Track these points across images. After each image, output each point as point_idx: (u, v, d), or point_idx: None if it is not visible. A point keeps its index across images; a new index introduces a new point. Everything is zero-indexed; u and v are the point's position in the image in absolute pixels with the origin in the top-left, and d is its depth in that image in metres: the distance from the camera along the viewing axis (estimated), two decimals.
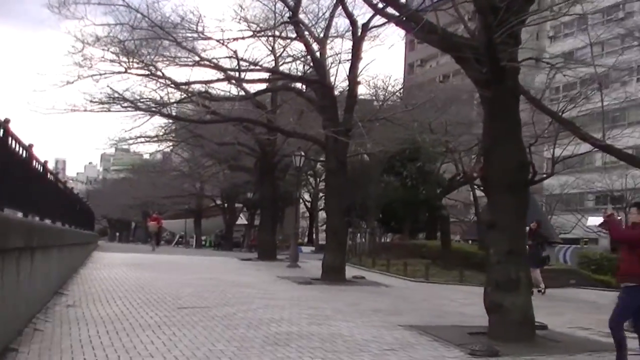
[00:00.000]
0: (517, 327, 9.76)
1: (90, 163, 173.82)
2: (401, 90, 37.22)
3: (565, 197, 53.23)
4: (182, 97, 21.23)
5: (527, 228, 19.30)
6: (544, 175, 23.13)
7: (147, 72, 19.89)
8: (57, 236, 11.76)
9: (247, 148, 30.65)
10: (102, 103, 19.66)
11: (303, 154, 25.37)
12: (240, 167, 35.15)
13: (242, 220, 65.23)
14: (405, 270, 22.86)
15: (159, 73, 19.96)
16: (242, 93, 24.67)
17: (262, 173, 30.03)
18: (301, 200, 67.32)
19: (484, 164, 10.80)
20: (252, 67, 20.55)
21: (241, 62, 21.14)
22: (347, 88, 20.11)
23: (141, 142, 30.17)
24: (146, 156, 66.00)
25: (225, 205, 59.81)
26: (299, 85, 23.46)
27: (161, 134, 28.88)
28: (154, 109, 20.57)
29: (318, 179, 59.32)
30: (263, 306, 12.15)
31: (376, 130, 24.73)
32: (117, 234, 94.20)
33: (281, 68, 24.76)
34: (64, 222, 14.31)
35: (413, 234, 43.74)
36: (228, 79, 20.92)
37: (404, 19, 11.05)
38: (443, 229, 26.74)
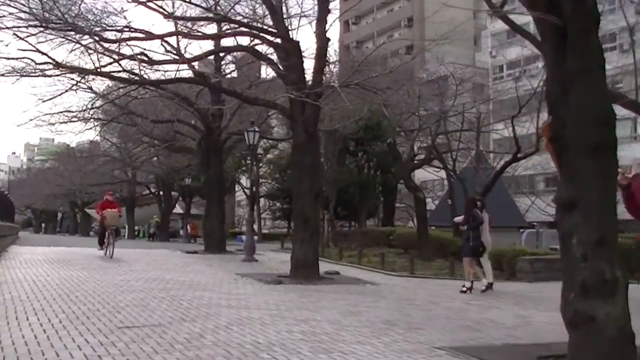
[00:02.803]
0: (615, 347, 6.78)
1: (13, 153, 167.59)
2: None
3: (517, 179, 51.17)
4: (114, 60, 17.47)
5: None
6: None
7: (68, 28, 16.11)
8: None
9: (188, 126, 27.10)
10: (10, 60, 15.90)
11: (257, 129, 21.98)
12: (182, 148, 31.28)
13: (178, 209, 61.76)
14: (382, 263, 19.72)
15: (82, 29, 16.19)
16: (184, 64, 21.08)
17: (207, 153, 26.47)
18: (240, 187, 63.96)
19: (551, 120, 7.72)
20: (202, 13, 16.88)
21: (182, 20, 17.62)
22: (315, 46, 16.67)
23: (64, 122, 26.21)
24: (72, 145, 61.76)
25: (161, 192, 55.95)
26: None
27: (89, 107, 24.96)
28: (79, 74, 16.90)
29: (259, 164, 56.02)
30: (236, 321, 8.88)
31: (337, 102, 21.12)
32: (43, 224, 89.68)
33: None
34: None
35: (364, 221, 41.04)
36: (164, 37, 17.32)
37: None
38: (419, 213, 23.74)
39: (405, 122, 29.58)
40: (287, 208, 57.87)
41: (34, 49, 16.10)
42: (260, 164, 55.79)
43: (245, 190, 64.87)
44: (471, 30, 65.07)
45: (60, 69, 16.71)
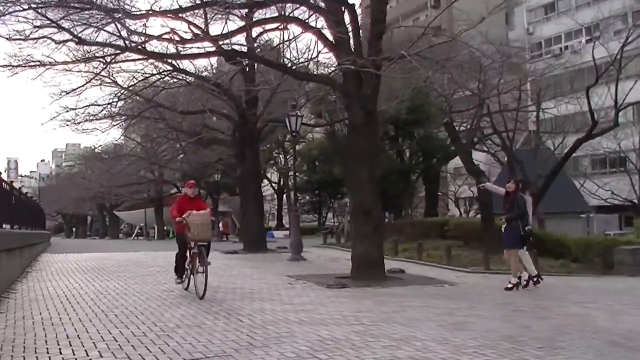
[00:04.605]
0: None
1: (42, 160, 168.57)
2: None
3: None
4: (145, 40, 15.54)
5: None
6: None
7: (89, 7, 14.26)
8: None
9: (221, 115, 25.25)
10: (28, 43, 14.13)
11: (299, 113, 20.07)
12: (214, 140, 29.25)
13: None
14: (449, 258, 17.60)
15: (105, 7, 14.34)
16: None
17: (242, 144, 24.53)
18: (267, 181, 62.22)
19: None
20: None
21: None
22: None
23: (90, 120, 24.70)
24: (98, 147, 61.18)
25: None
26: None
27: (115, 100, 23.37)
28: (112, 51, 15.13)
29: (287, 157, 54.11)
30: (318, 344, 6.96)
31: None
32: (74, 229, 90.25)
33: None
34: None
35: (399, 212, 38.97)
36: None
37: None
38: (483, 200, 21.47)
39: (453, 101, 27.65)
40: (316, 201, 56.18)
41: (53, 24, 14.23)
42: (288, 156, 54.24)
43: (273, 185, 63.17)
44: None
45: (84, 46, 14.87)
